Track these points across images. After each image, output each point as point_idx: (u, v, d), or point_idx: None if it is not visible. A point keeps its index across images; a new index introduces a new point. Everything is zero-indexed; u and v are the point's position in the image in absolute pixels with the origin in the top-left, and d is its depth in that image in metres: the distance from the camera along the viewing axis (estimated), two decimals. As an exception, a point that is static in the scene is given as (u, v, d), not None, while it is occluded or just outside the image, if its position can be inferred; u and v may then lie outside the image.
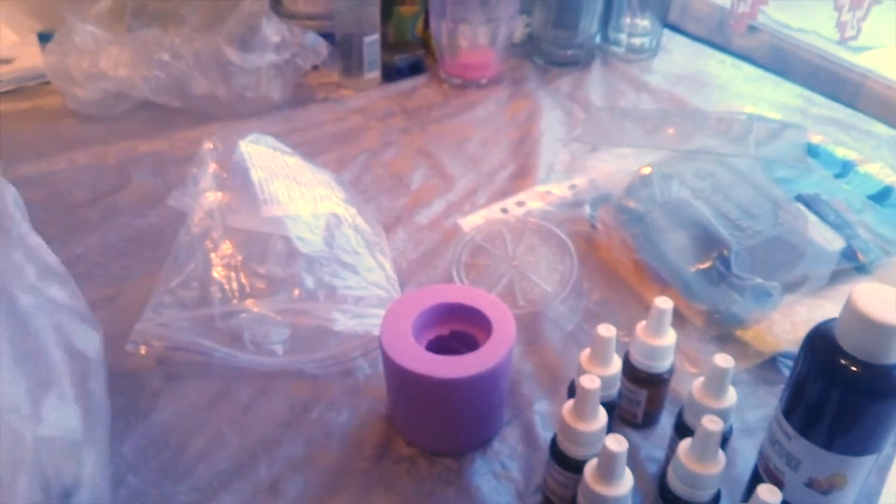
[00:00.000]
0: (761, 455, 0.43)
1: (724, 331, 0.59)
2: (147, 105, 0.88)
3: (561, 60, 1.04)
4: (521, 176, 0.81)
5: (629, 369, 0.51)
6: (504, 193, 0.78)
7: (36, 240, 0.49)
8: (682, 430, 0.47)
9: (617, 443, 0.39)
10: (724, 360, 0.45)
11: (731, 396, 0.46)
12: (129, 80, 0.86)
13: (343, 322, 0.58)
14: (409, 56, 1.00)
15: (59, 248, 0.68)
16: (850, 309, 0.36)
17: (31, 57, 0.95)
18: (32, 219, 0.51)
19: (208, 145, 0.66)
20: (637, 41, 1.06)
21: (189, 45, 0.86)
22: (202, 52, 0.86)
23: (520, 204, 0.75)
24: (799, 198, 0.68)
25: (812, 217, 0.66)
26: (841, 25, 0.99)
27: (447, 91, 0.98)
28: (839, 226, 0.66)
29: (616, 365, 0.49)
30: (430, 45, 1.01)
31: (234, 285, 0.58)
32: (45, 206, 0.74)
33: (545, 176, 0.80)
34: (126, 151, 0.83)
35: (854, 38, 1.00)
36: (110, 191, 0.77)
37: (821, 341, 0.38)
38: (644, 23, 1.06)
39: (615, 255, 0.68)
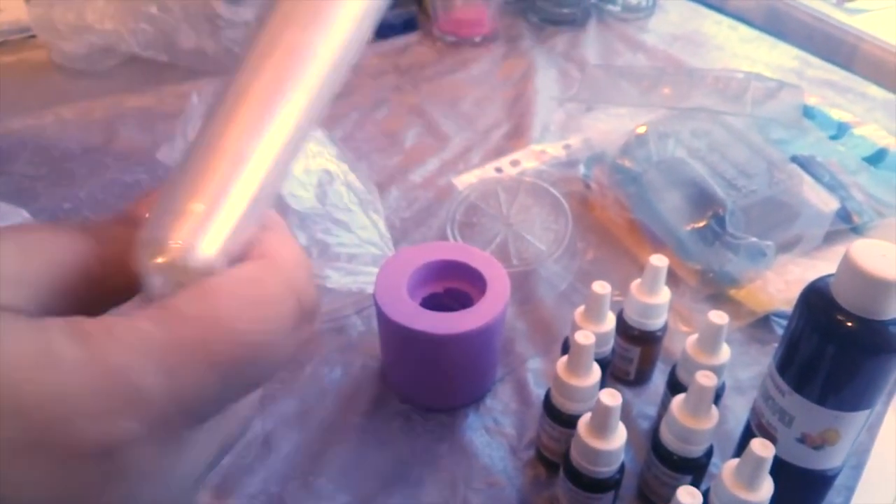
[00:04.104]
0: (754, 411, 0.44)
1: (717, 290, 0.60)
2: (134, 59, 0.86)
3: (556, 18, 1.02)
4: (516, 135, 0.80)
5: (623, 327, 0.51)
6: (498, 152, 0.77)
7: None
8: (675, 386, 0.48)
9: (611, 397, 0.39)
10: (718, 316, 0.45)
11: (725, 353, 0.46)
12: (116, 34, 0.84)
13: (336, 279, 0.58)
14: (402, 12, 0.98)
15: (47, 202, 0.68)
16: (847, 264, 0.36)
17: (15, 9, 0.93)
18: (20, 174, 0.50)
19: (197, 100, 0.65)
20: (633, 0, 1.05)
21: (177, -2, 0.85)
22: (190, 4, 0.84)
23: (514, 163, 0.75)
24: (794, 158, 0.68)
25: (807, 178, 0.65)
26: (839, -14, 0.98)
27: (441, 49, 0.96)
28: (834, 187, 0.65)
29: (610, 322, 0.49)
30: (424, 1, 0.99)
31: (226, 241, 0.57)
32: (32, 161, 0.72)
33: (540, 135, 0.80)
34: (113, 106, 0.81)
35: (851, -1, 0.99)
36: (97, 146, 0.76)
37: (817, 297, 0.38)
38: (640, -19, 1.04)
39: (609, 214, 0.67)
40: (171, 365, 0.18)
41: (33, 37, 0.88)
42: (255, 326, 0.20)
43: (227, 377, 0.19)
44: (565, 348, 0.51)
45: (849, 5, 0.99)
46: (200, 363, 0.19)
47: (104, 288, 0.22)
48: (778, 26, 1.01)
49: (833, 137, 0.74)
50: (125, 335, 0.18)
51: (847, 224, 0.63)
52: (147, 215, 0.21)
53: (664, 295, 0.50)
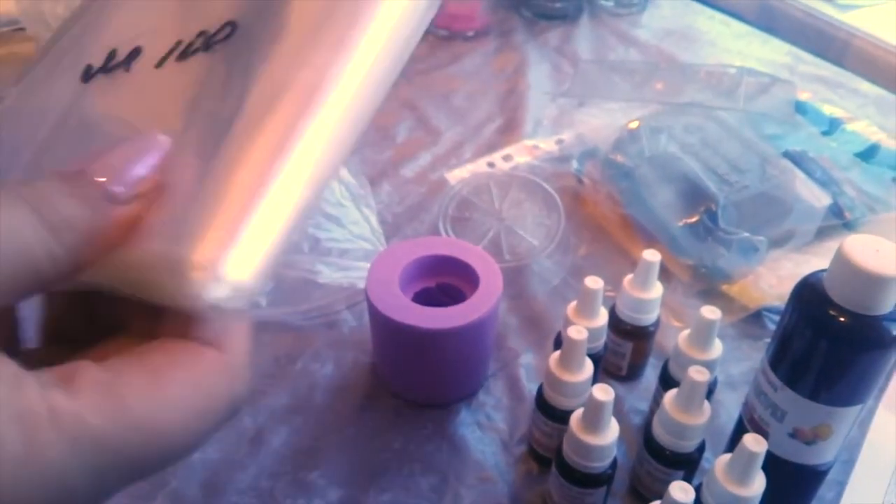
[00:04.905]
0: (746, 406, 0.44)
1: (709, 285, 0.59)
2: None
3: (549, 13, 1.02)
4: (508, 130, 0.80)
5: (615, 322, 0.51)
6: (491, 147, 0.77)
7: None
8: (667, 381, 0.48)
9: (604, 392, 0.39)
10: (710, 311, 0.45)
11: (717, 348, 0.46)
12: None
13: (328, 274, 0.58)
14: (395, 6, 0.98)
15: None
16: (840, 259, 0.35)
17: (3, 2, 0.92)
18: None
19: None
20: (626, -5, 1.04)
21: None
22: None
23: (507, 158, 0.75)
24: (786, 154, 0.68)
25: (799, 173, 0.66)
26: (831, -18, 0.98)
27: (433, 43, 0.96)
28: (826, 182, 0.65)
29: (602, 317, 0.49)
30: (416, -5, 0.99)
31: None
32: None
33: (532, 130, 0.79)
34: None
35: (844, -5, 0.99)
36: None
37: (810, 292, 0.38)
38: (633, -24, 1.04)
39: (602, 209, 0.67)
40: (103, 470, 0.19)
41: (22, 29, 0.87)
42: (191, 440, 0.21)
43: (146, 475, 0.21)
44: (558, 343, 0.51)
45: (840, 1, 0.99)
46: (130, 471, 0.20)
47: (61, 284, 0.21)
48: (770, 22, 1.01)
49: (825, 133, 0.74)
50: (69, 428, 0.18)
51: (839, 220, 0.64)
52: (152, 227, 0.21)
53: (656, 290, 0.50)
